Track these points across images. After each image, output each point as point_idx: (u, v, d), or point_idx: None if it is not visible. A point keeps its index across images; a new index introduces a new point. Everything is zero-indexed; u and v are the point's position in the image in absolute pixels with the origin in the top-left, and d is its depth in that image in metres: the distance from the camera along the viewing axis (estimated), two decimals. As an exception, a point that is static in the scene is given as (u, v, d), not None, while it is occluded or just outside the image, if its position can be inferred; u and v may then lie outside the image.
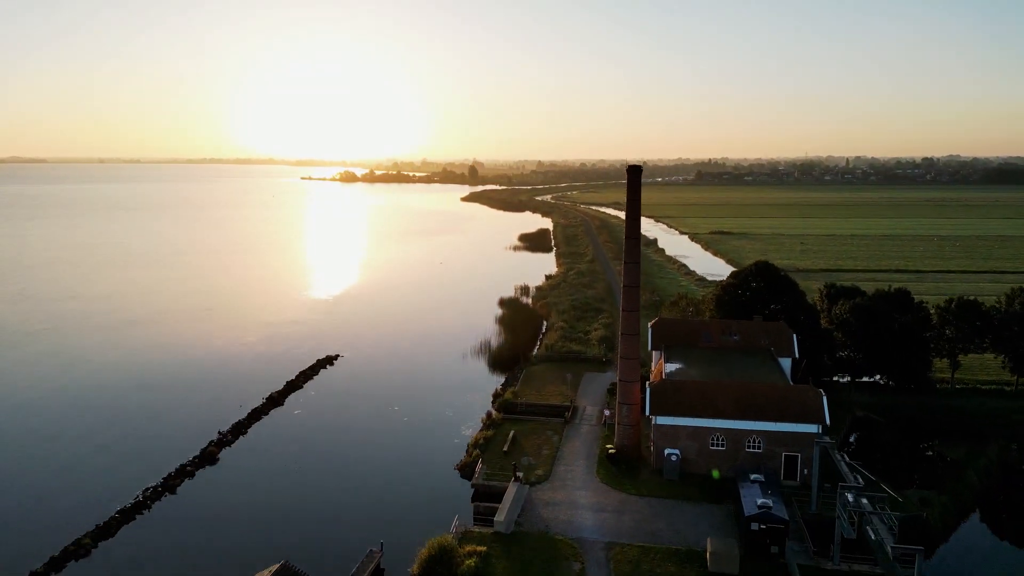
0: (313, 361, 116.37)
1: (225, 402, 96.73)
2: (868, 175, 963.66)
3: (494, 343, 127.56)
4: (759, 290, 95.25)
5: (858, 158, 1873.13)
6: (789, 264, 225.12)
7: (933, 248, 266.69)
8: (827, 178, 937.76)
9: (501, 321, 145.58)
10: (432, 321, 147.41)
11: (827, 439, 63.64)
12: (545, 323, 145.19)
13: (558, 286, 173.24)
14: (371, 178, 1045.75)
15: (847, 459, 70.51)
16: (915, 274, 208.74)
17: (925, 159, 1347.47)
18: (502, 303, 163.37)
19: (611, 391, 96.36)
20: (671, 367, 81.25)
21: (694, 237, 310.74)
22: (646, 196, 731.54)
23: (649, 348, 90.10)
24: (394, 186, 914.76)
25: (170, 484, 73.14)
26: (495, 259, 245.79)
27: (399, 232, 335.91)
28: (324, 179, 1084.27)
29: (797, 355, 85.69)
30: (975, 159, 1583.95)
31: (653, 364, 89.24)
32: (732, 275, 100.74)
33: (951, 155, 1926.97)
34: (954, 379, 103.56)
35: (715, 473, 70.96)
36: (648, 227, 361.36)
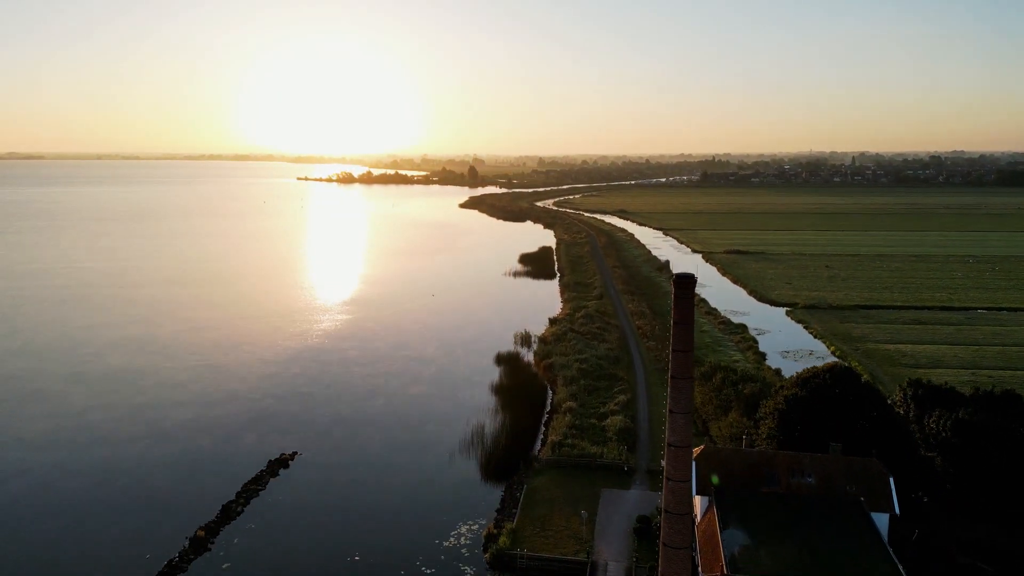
0: (263, 464, 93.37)
1: (123, 554, 72.72)
2: (878, 175, 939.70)
3: (489, 429, 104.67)
4: (835, 401, 72.30)
5: (863, 154, 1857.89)
6: (819, 298, 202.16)
7: (972, 274, 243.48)
8: (836, 179, 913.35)
9: (498, 391, 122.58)
10: (416, 393, 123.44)
11: None
12: (550, 392, 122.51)
13: (564, 336, 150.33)
14: (368, 179, 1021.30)
15: None
16: (964, 312, 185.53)
17: (932, 157, 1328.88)
18: (500, 360, 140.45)
19: (638, 532, 73.73)
20: (732, 542, 58.37)
21: (708, 258, 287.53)
22: (652, 200, 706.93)
23: (693, 492, 67.43)
24: (392, 188, 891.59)
25: None
26: (493, 289, 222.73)
27: (390, 251, 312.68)
28: (321, 179, 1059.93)
29: (897, 510, 62.96)
30: (982, 156, 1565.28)
31: (698, 514, 66.50)
32: (800, 382, 77.48)
33: (955, 151, 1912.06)
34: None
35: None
36: (658, 243, 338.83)
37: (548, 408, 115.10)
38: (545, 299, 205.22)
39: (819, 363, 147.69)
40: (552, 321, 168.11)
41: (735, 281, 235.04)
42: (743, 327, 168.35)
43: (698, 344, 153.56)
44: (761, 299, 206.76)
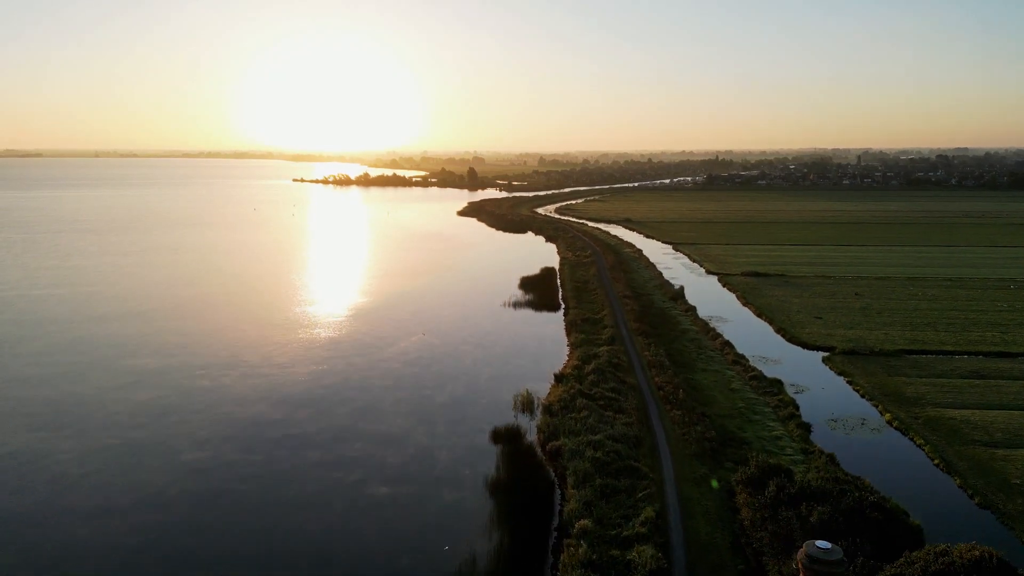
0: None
1: None
2: (888, 178, 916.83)
3: (482, 562, 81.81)
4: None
5: (867, 151, 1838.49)
6: (857, 338, 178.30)
7: (1018, 304, 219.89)
8: (845, 182, 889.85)
9: (493, 491, 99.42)
10: (384, 496, 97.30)
11: None
12: (558, 493, 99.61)
13: (572, 402, 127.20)
14: (366, 181, 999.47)
15: None
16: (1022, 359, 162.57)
17: (940, 156, 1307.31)
18: (495, 438, 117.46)
19: None
20: None
21: (724, 281, 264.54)
22: (658, 206, 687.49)
23: None
24: (390, 191, 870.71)
25: None
26: (489, 325, 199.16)
27: (379, 273, 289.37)
28: (317, 181, 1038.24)
29: None
30: (987, 154, 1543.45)
31: None
32: (930, 573, 54.43)
33: (959, 147, 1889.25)
34: None
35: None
36: (668, 261, 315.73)
37: (556, 523, 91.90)
38: (549, 341, 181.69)
39: (874, 436, 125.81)
40: (558, 378, 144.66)
41: (758, 314, 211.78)
42: (778, 383, 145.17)
43: (731, 411, 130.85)
44: (791, 339, 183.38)
